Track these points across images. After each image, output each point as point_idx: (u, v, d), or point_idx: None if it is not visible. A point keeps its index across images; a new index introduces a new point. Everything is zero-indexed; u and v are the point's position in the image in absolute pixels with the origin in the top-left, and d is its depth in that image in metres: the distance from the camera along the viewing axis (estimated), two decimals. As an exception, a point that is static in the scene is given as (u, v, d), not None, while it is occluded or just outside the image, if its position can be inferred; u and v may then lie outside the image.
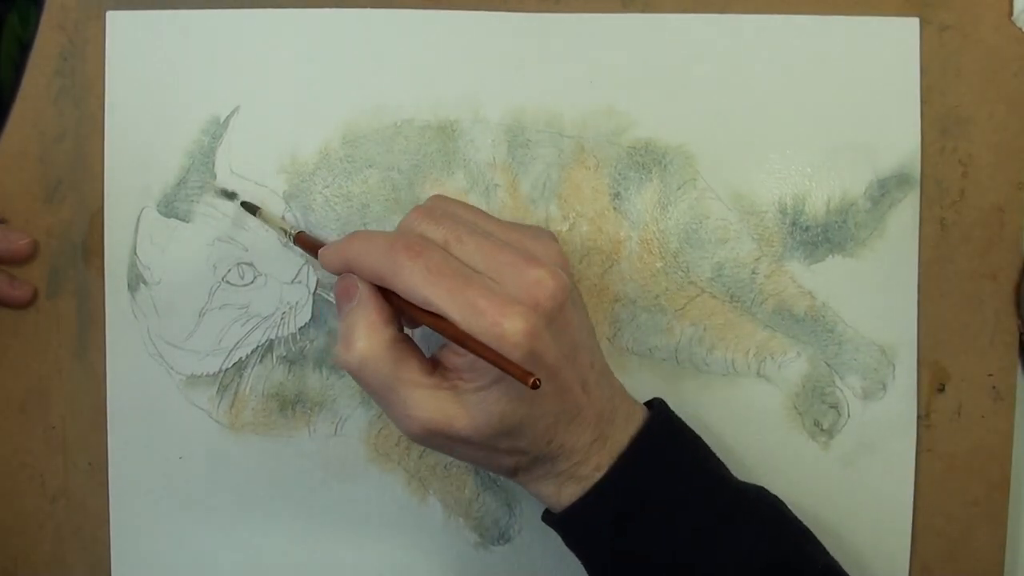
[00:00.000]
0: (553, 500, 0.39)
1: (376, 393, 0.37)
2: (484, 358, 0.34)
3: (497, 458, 0.38)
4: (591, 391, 0.38)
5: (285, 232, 0.44)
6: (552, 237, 0.40)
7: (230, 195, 0.45)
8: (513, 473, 0.39)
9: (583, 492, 0.38)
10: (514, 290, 0.35)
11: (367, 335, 0.36)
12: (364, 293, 0.37)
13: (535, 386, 0.32)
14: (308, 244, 0.43)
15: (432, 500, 0.46)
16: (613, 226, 0.46)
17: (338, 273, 0.38)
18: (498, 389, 0.36)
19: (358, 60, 0.46)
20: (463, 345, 0.34)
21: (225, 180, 0.46)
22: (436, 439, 0.37)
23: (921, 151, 0.46)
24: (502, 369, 0.33)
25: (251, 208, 0.45)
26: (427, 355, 0.38)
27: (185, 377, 0.46)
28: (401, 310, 0.37)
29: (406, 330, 0.39)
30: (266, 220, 0.45)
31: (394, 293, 0.36)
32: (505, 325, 0.34)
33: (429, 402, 0.36)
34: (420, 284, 0.35)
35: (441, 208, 0.38)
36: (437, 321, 0.35)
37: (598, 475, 0.38)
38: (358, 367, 0.36)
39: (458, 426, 0.36)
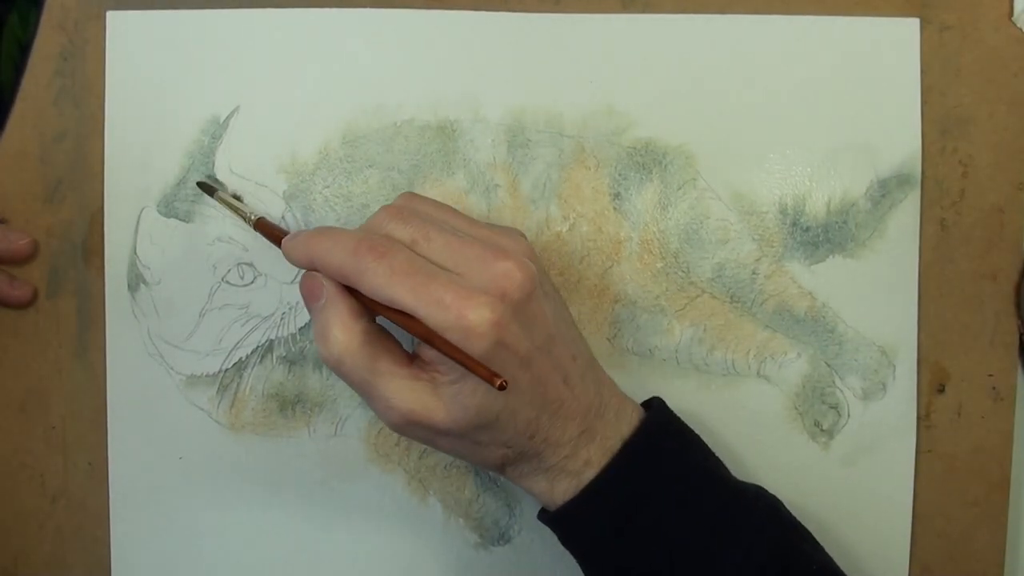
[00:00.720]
0: (547, 497, 0.39)
1: (357, 387, 0.37)
2: (451, 358, 0.34)
3: (480, 451, 0.38)
4: (574, 384, 0.38)
5: (244, 217, 0.44)
6: (521, 234, 0.40)
7: (209, 190, 0.45)
8: (501, 468, 0.39)
9: (577, 489, 0.38)
10: (480, 283, 0.35)
11: (340, 332, 0.36)
12: (331, 291, 0.37)
13: (502, 388, 0.33)
14: (269, 231, 0.42)
15: (432, 500, 0.46)
16: (613, 226, 0.46)
17: (302, 268, 0.39)
18: (473, 381, 0.36)
19: (358, 60, 0.46)
20: (430, 343, 0.35)
21: (224, 179, 0.45)
22: (417, 430, 0.37)
23: (922, 152, 0.46)
24: (469, 369, 0.34)
25: (208, 189, 0.45)
26: (408, 347, 0.39)
27: (185, 377, 0.46)
28: (370, 307, 0.37)
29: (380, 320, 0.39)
30: (224, 203, 0.44)
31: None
32: (471, 316, 0.34)
33: (407, 393, 0.37)
34: (384, 284, 0.35)
35: (409, 207, 0.39)
36: (405, 319, 0.35)
37: (590, 471, 0.38)
38: (336, 363, 0.37)
39: (436, 418, 0.36)
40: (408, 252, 0.36)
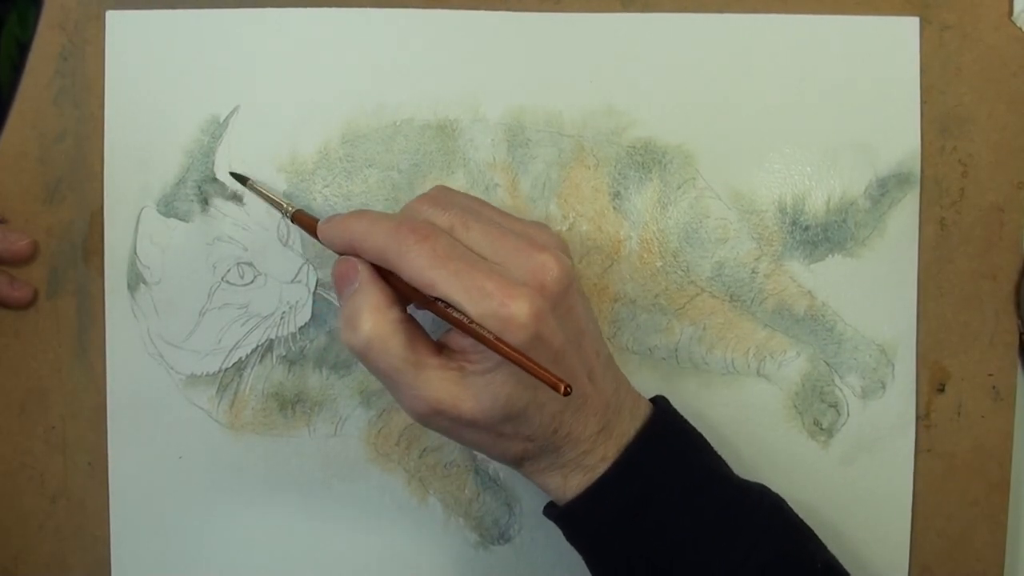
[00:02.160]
0: (559, 492, 0.39)
1: (383, 374, 0.37)
2: (512, 360, 0.33)
3: (502, 444, 0.38)
4: (597, 380, 0.38)
5: (281, 208, 0.43)
6: (549, 228, 0.40)
7: (241, 179, 0.45)
8: (519, 462, 0.39)
9: (588, 484, 0.38)
10: (519, 274, 0.35)
11: (372, 317, 0.36)
12: (365, 276, 0.37)
13: (567, 393, 0.32)
14: (307, 223, 0.42)
15: (432, 500, 0.46)
16: (613, 226, 0.46)
17: (339, 251, 0.38)
18: (504, 372, 0.36)
19: (358, 60, 0.46)
20: (476, 337, 0.34)
21: (224, 179, 0.46)
22: (442, 421, 0.37)
23: (921, 151, 0.46)
24: (532, 374, 0.33)
25: (241, 179, 0.45)
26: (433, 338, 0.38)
27: (185, 377, 0.46)
28: (405, 295, 0.37)
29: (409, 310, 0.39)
30: (259, 193, 0.44)
31: (396, 277, 0.36)
32: (512, 307, 0.34)
33: (436, 382, 0.36)
34: (426, 267, 0.35)
35: (446, 196, 0.39)
36: (443, 309, 0.35)
37: (604, 466, 0.38)
38: (365, 348, 0.36)
39: (464, 408, 0.36)
40: (449, 237, 0.36)
